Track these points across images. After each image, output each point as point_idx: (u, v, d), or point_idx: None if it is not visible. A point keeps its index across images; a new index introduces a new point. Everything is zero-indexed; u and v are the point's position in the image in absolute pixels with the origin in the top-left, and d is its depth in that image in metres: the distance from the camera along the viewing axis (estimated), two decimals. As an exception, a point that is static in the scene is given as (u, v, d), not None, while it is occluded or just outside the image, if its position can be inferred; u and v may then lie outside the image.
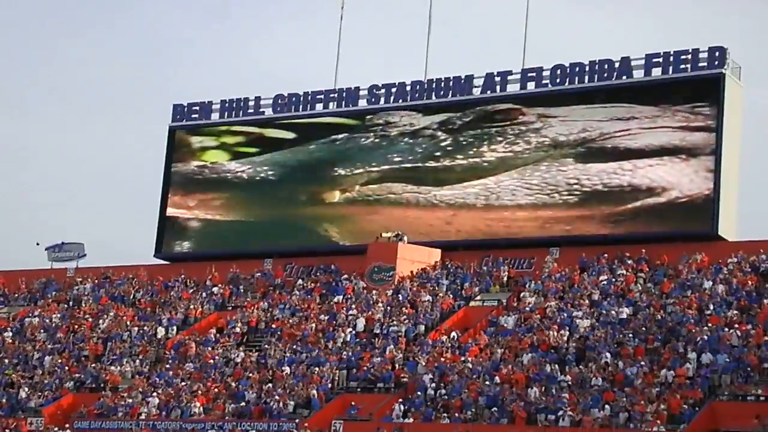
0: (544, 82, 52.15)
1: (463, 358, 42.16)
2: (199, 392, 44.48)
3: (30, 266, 62.15)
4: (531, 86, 52.43)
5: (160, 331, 51.66)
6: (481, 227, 52.09)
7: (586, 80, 51.16)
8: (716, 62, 48.48)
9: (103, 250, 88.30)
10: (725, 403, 36.01)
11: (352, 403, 40.67)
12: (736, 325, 39.41)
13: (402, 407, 39.81)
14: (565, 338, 41.74)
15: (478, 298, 48.13)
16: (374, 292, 49.96)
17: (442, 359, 42.46)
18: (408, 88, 55.32)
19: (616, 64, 50.62)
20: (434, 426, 38.37)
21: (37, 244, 62.56)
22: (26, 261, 74.38)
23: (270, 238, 56.21)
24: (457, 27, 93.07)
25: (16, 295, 60.29)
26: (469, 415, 38.46)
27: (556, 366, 39.81)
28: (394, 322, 46.47)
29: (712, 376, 37.02)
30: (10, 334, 54.76)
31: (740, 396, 36.06)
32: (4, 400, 48.22)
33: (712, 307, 41.31)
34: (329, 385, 42.91)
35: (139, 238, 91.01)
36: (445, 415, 38.90)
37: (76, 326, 53.87)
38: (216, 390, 44.56)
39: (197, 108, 60.49)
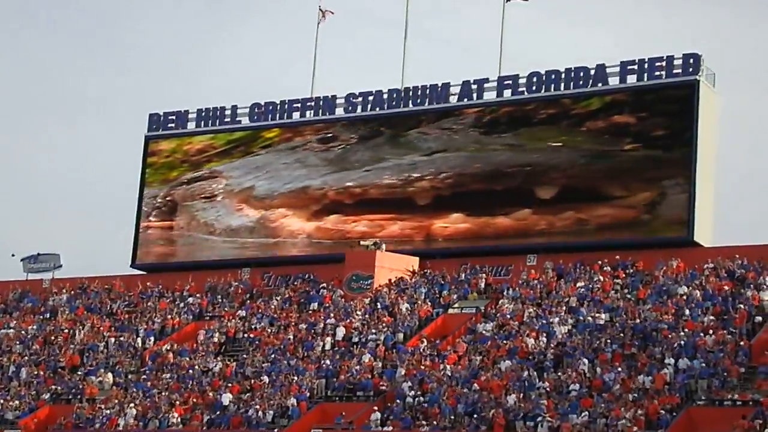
0: (520, 89, 52.36)
1: (441, 366, 42.18)
2: (177, 402, 44.30)
3: (5, 277, 61.79)
4: (507, 94, 52.66)
5: (138, 342, 51.42)
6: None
7: (562, 88, 51.41)
8: (691, 69, 48.83)
9: (79, 261, 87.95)
10: (702, 408, 36.18)
11: (342, 413, 40.59)
12: (712, 331, 39.64)
13: (381, 415, 39.79)
14: (543, 345, 41.85)
15: (456, 305, 48.19)
16: (352, 300, 49.92)
17: (421, 367, 42.47)
18: (385, 96, 55.40)
19: (592, 72, 50.90)
20: (413, 434, 38.36)
21: (13, 255, 62.31)
22: (1, 272, 73.90)
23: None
24: (433, 35, 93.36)
25: (-8, 306, 59.84)
26: (448, 423, 38.47)
27: (534, 372, 39.90)
28: (373, 331, 46.45)
29: (688, 382, 37.20)
30: (-14, 345, 54.34)
31: (717, 401, 36.24)
32: (-20, 413, 47.85)
33: (688, 312, 41.53)
34: (308, 395, 42.83)
35: (115, 248, 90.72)
36: (424, 422, 38.90)
37: (53, 337, 53.53)
38: (194, 400, 44.39)
39: (173, 117, 60.36)
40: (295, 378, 43.80)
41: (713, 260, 45.18)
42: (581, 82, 51.03)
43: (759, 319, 40.41)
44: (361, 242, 52.24)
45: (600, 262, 47.37)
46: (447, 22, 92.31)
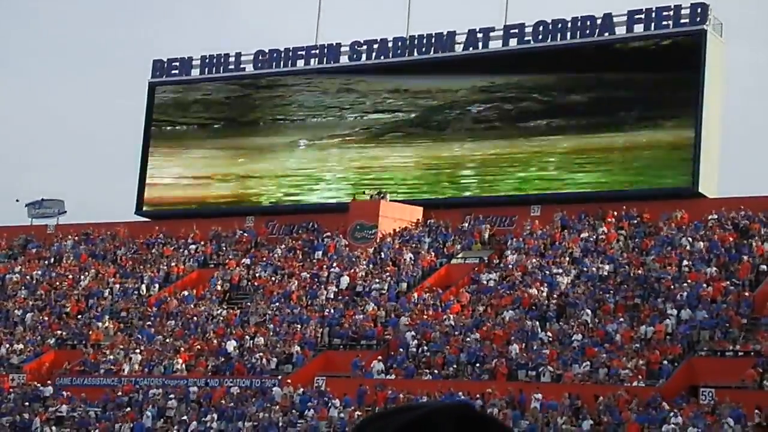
0: (526, 38, 51.96)
1: (444, 316, 42.35)
2: (182, 349, 44.58)
3: (10, 223, 61.80)
4: (513, 43, 52.26)
5: (142, 289, 51.61)
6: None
7: (569, 37, 51.00)
8: (698, 19, 48.39)
9: (83, 207, 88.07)
10: (704, 358, 36.38)
11: (358, 356, 40.85)
12: (715, 282, 39.70)
13: (384, 364, 40.06)
14: (546, 295, 41.97)
15: (460, 255, 48.24)
16: (356, 250, 49.97)
17: (424, 316, 42.64)
18: (390, 44, 54.98)
19: (599, 21, 50.46)
20: (416, 382, 38.62)
21: (17, 200, 62.25)
22: (6, 218, 73.97)
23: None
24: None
25: (-3, 252, 59.97)
26: (451, 372, 38.72)
27: (537, 323, 40.06)
28: (377, 280, 46.57)
29: (691, 332, 37.36)
30: (-9, 291, 54.57)
31: (719, 352, 36.42)
32: (-15, 357, 48.19)
33: (691, 263, 41.58)
34: (312, 342, 43.07)
35: (120, 195, 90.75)
36: (427, 371, 39.15)
37: (57, 283, 53.75)
38: (198, 347, 44.66)
39: (177, 64, 59.97)
40: (299, 326, 44.02)
41: (717, 211, 45.12)
42: (588, 32, 50.60)
43: (764, 267, 40.42)
44: (366, 192, 52.15)
45: (612, 212, 47.12)
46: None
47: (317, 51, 56.66)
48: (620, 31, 50.16)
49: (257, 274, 50.39)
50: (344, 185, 54.98)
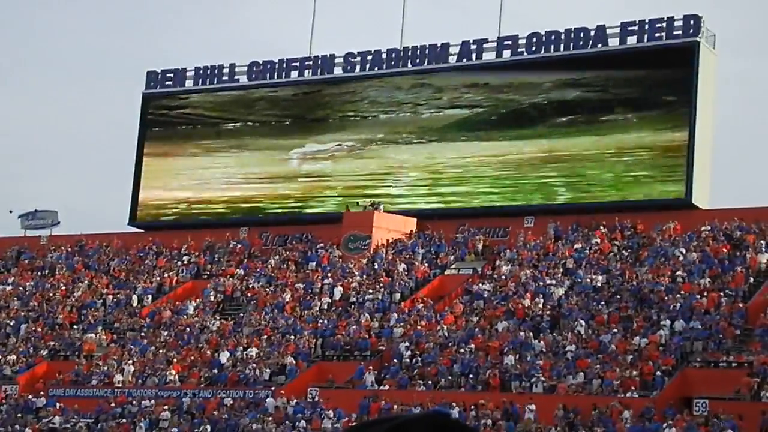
0: (519, 50, 52.08)
1: (438, 327, 42.33)
2: (175, 360, 44.48)
3: (3, 234, 61.75)
4: (506, 54, 52.38)
5: (135, 300, 51.53)
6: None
7: (562, 48, 51.14)
8: (691, 30, 48.56)
9: (76, 218, 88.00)
10: (697, 369, 36.38)
11: (362, 363, 40.78)
12: (708, 293, 39.74)
13: (376, 375, 39.99)
14: (540, 306, 41.99)
15: (454, 266, 48.25)
16: (350, 261, 49.94)
17: (418, 327, 42.62)
18: (383, 55, 55.06)
19: (592, 33, 50.60)
20: (410, 393, 38.57)
21: (11, 211, 62.15)
22: (-1, 229, 73.78)
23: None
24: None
25: (-11, 263, 59.83)
26: (444, 383, 38.67)
27: (531, 333, 40.06)
28: (370, 291, 46.54)
29: (684, 343, 37.38)
30: (-16, 302, 54.43)
31: (712, 363, 36.43)
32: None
33: (685, 274, 41.63)
34: (305, 353, 43.00)
35: (113, 206, 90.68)
36: (421, 382, 39.10)
37: (50, 294, 53.63)
38: (191, 358, 44.57)
39: (171, 75, 60.01)
40: (292, 337, 43.95)
41: (711, 223, 45.19)
42: (581, 43, 50.74)
43: (751, 280, 40.48)
44: (359, 202, 52.16)
45: (605, 223, 47.18)
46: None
47: (311, 62, 56.72)
48: (613, 42, 50.31)
49: (251, 285, 50.34)
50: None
